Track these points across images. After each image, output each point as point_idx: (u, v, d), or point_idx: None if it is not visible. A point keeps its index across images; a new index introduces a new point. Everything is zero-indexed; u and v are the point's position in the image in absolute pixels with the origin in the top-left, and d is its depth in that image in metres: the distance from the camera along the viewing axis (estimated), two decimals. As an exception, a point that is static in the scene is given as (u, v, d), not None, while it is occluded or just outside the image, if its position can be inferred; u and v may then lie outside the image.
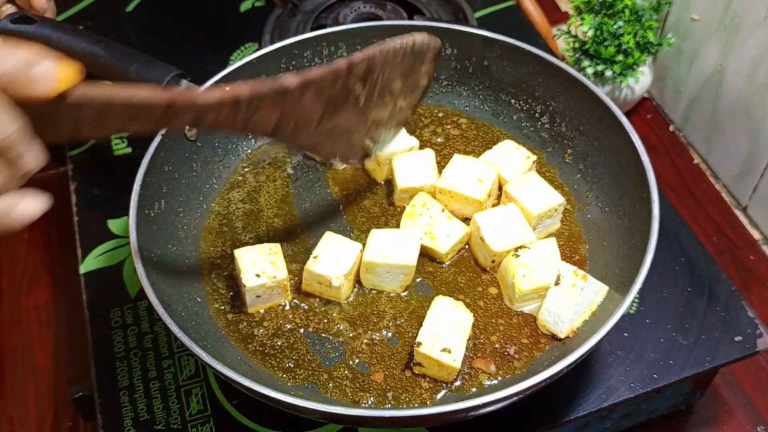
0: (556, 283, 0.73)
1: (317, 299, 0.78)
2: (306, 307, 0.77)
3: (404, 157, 0.84)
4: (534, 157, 0.85)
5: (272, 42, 1.06)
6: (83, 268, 0.88)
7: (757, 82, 1.01)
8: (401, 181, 0.83)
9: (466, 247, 0.81)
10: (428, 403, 0.70)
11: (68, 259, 0.99)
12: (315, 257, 0.75)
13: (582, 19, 1.10)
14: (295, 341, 0.75)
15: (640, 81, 1.12)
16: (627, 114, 1.19)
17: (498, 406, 0.64)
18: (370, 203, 0.86)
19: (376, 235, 0.77)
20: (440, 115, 0.95)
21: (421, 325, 0.71)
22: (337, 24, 1.07)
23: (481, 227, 0.77)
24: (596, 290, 0.73)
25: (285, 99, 0.63)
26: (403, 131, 0.87)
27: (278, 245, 0.78)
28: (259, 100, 0.61)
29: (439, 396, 0.71)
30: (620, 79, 1.09)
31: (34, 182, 0.48)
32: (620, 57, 1.08)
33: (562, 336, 0.73)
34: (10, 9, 0.96)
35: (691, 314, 0.79)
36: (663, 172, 1.14)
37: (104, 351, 0.81)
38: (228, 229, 0.85)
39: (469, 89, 0.95)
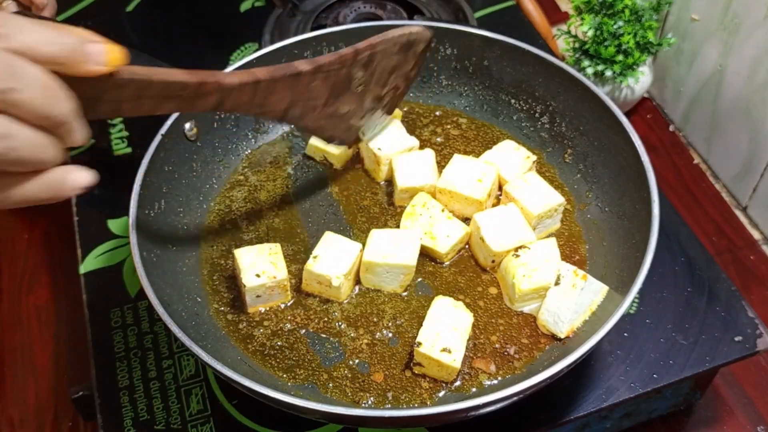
0: (556, 283, 0.73)
1: (317, 299, 0.78)
2: (306, 307, 0.77)
3: (404, 157, 0.84)
4: (534, 157, 0.85)
5: (272, 42, 1.06)
6: (83, 268, 0.88)
7: (757, 82, 1.01)
8: (401, 181, 0.83)
9: (466, 247, 0.81)
10: (428, 403, 0.70)
11: (68, 259, 0.99)
12: (315, 257, 0.75)
13: (582, 19, 1.10)
14: (295, 341, 0.75)
15: (640, 81, 1.12)
16: (627, 114, 1.19)
17: (498, 406, 0.64)
18: (370, 203, 0.86)
19: (375, 235, 0.77)
20: (440, 115, 0.95)
21: (421, 325, 0.71)
22: (337, 24, 1.07)
23: (481, 227, 0.77)
24: (596, 290, 0.73)
25: (297, 82, 0.69)
26: (403, 131, 0.87)
27: (278, 245, 0.78)
28: (275, 82, 0.67)
29: (439, 396, 0.71)
30: (620, 79, 1.09)
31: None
32: (620, 57, 1.08)
33: (562, 336, 0.73)
34: (11, 6, 0.96)
35: (691, 314, 0.80)
36: (663, 172, 1.14)
37: (104, 351, 0.81)
38: (228, 229, 0.85)
39: (469, 89, 0.95)
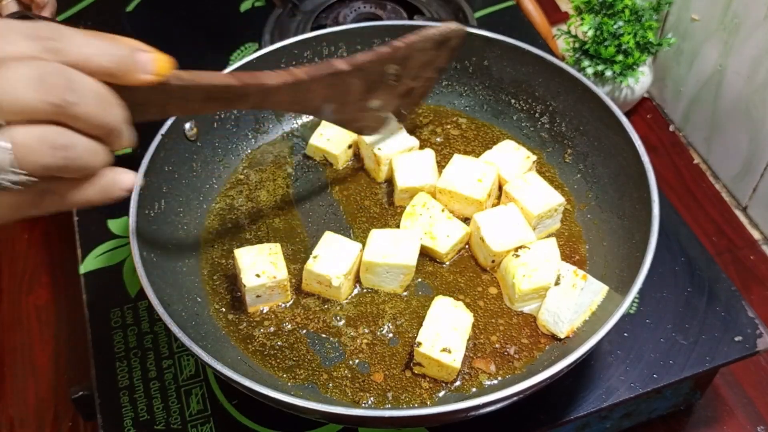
0: (556, 283, 0.73)
1: (317, 299, 0.78)
2: (306, 307, 0.77)
3: (404, 157, 0.84)
4: (534, 157, 0.85)
5: (272, 42, 1.06)
6: (83, 268, 0.88)
7: (757, 82, 1.01)
8: (401, 181, 0.83)
9: (466, 247, 0.81)
10: (428, 403, 0.70)
11: (68, 259, 0.99)
12: (315, 257, 0.75)
13: (582, 19, 1.10)
14: (295, 341, 0.75)
15: (640, 81, 1.12)
16: (627, 114, 1.19)
17: (498, 406, 0.64)
18: (370, 203, 0.86)
19: (375, 235, 0.77)
20: (440, 115, 0.94)
21: (421, 325, 0.71)
22: (337, 24, 1.07)
23: (481, 227, 0.77)
24: (596, 290, 0.73)
25: (335, 81, 0.71)
26: (403, 131, 0.87)
27: (278, 245, 0.78)
28: (314, 81, 0.68)
29: (439, 396, 0.71)
30: (620, 79, 1.09)
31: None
32: (620, 57, 1.08)
33: (562, 336, 0.73)
34: (10, 5, 0.96)
35: (691, 314, 0.80)
36: (663, 172, 1.14)
37: (104, 351, 0.81)
38: (228, 229, 0.85)
39: (469, 89, 0.95)
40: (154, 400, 0.77)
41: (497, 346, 0.74)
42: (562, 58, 1.15)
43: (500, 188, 0.84)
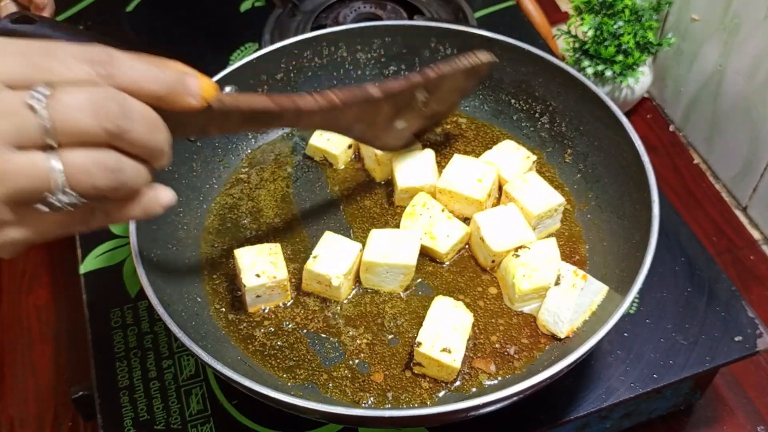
0: (556, 283, 0.73)
1: (317, 299, 0.78)
2: (306, 307, 0.77)
3: (404, 157, 0.84)
4: (534, 157, 0.85)
5: (272, 42, 1.06)
6: (83, 268, 0.88)
7: (757, 82, 1.01)
8: (401, 181, 0.83)
9: (466, 247, 0.81)
10: (428, 403, 0.70)
11: (68, 259, 0.99)
12: (315, 257, 0.75)
13: (582, 19, 1.10)
14: (295, 341, 0.75)
15: (640, 81, 1.12)
16: (627, 114, 1.19)
17: (498, 406, 0.64)
18: (370, 203, 0.86)
19: (375, 235, 0.77)
20: (440, 115, 0.94)
21: (421, 325, 0.71)
22: (337, 24, 1.07)
23: (481, 227, 0.77)
24: (596, 290, 0.73)
25: (367, 106, 0.74)
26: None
27: (278, 245, 0.78)
28: (348, 106, 0.71)
29: (439, 396, 0.71)
30: (620, 79, 1.09)
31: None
32: (620, 57, 1.08)
33: (562, 336, 0.73)
34: (9, 5, 0.96)
35: (691, 314, 0.80)
36: (663, 172, 1.14)
37: (104, 351, 0.81)
38: (228, 229, 0.85)
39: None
40: (154, 400, 0.77)
41: (497, 346, 0.74)
42: (562, 58, 1.15)
43: (500, 188, 0.84)
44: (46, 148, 0.43)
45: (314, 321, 0.76)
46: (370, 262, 0.76)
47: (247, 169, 0.90)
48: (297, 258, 0.81)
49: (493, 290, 0.78)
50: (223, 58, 1.11)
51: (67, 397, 0.93)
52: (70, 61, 0.44)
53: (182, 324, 0.66)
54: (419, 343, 0.70)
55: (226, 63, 1.08)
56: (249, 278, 0.74)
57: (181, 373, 0.79)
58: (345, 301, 0.78)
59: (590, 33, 1.09)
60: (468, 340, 0.72)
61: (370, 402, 0.71)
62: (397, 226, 0.82)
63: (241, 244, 0.82)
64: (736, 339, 0.78)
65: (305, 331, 0.76)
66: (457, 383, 0.71)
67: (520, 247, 0.76)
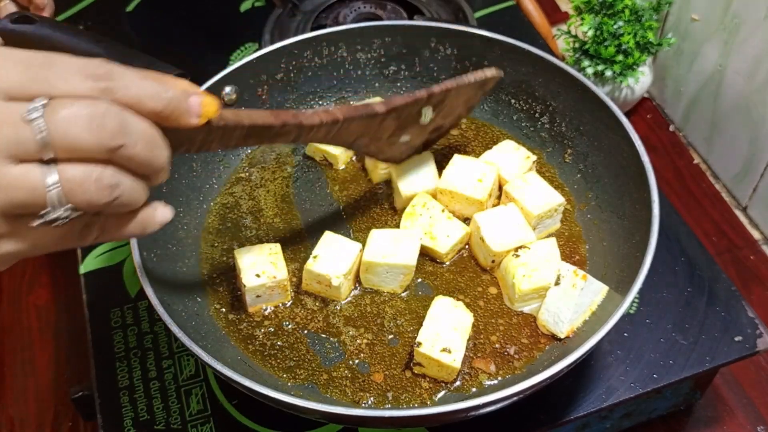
0: (556, 283, 0.73)
1: (317, 299, 0.78)
2: (306, 307, 0.77)
3: (404, 162, 0.84)
4: (534, 157, 0.85)
5: (272, 42, 1.06)
6: (83, 268, 0.88)
7: (757, 82, 1.01)
8: (404, 189, 0.82)
9: (466, 247, 0.81)
10: (428, 403, 0.70)
11: (68, 259, 0.99)
12: (315, 257, 0.75)
13: (582, 19, 1.10)
14: (295, 341, 0.75)
15: (640, 81, 1.12)
16: (627, 114, 1.19)
17: (498, 406, 0.64)
18: (370, 203, 0.86)
19: (375, 235, 0.77)
20: (440, 115, 0.94)
21: (421, 325, 0.71)
22: (337, 24, 1.07)
23: (481, 227, 0.77)
24: (596, 290, 0.73)
25: (371, 121, 0.73)
26: None
27: (278, 245, 0.78)
28: (351, 121, 0.71)
29: (439, 396, 0.71)
30: (620, 79, 1.09)
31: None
32: (620, 57, 1.08)
33: (562, 336, 0.73)
34: (9, 5, 0.96)
35: (691, 314, 0.80)
36: (663, 172, 1.14)
37: (104, 351, 0.81)
38: (228, 229, 0.85)
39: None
40: (154, 400, 0.77)
41: (497, 346, 0.74)
42: (562, 58, 1.15)
43: (500, 188, 0.84)
44: (44, 161, 0.42)
45: (314, 321, 0.76)
46: (369, 262, 0.76)
47: (247, 169, 0.90)
48: (297, 258, 0.81)
49: (493, 290, 0.78)
50: (223, 58, 1.11)
51: (67, 397, 0.93)
52: (71, 75, 0.43)
53: (182, 324, 0.66)
54: (419, 343, 0.70)
55: (226, 63, 1.08)
56: (249, 278, 0.74)
57: (181, 373, 0.79)
58: (345, 301, 0.78)
59: (590, 33, 1.09)
60: (468, 340, 0.72)
61: (370, 402, 0.71)
62: (397, 226, 0.82)
63: (241, 244, 0.82)
64: (736, 339, 0.78)
65: (305, 331, 0.76)
66: (457, 383, 0.71)
67: (520, 247, 0.76)
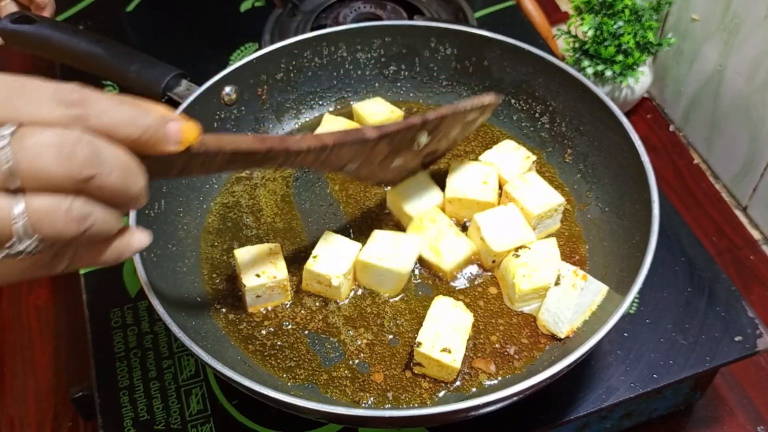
0: (556, 283, 0.73)
1: (317, 299, 0.78)
2: (306, 307, 0.77)
3: (401, 187, 0.82)
4: (534, 157, 0.85)
5: (272, 42, 1.06)
6: (83, 268, 0.88)
7: (757, 82, 1.01)
8: (413, 210, 0.80)
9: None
10: (428, 403, 0.70)
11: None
12: (315, 257, 0.75)
13: (582, 19, 1.10)
14: (295, 341, 0.75)
15: (640, 81, 1.12)
16: (627, 114, 1.19)
17: (498, 406, 0.64)
18: (370, 203, 0.86)
19: (377, 235, 0.77)
20: (440, 115, 0.94)
21: (421, 325, 0.71)
22: (337, 24, 1.07)
23: (481, 227, 0.77)
24: (596, 290, 0.73)
25: (362, 146, 0.71)
26: None
27: (278, 245, 0.78)
28: (341, 146, 0.69)
29: (439, 396, 0.71)
30: (620, 79, 1.09)
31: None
32: (620, 57, 1.08)
33: (562, 336, 0.73)
34: (9, 5, 0.96)
35: (691, 314, 0.79)
36: (663, 172, 1.14)
37: (104, 351, 0.81)
38: (228, 229, 0.85)
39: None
40: (154, 400, 0.77)
41: (497, 346, 0.74)
42: (562, 58, 1.15)
43: (500, 188, 0.84)
44: (10, 191, 0.40)
45: (314, 321, 0.76)
46: (363, 262, 0.75)
47: (247, 169, 0.90)
48: (297, 258, 0.81)
49: (493, 290, 0.78)
50: (223, 58, 1.11)
51: (67, 397, 0.93)
52: (43, 101, 0.41)
53: (182, 324, 0.66)
54: (419, 343, 0.70)
55: (226, 63, 1.08)
56: (249, 278, 0.74)
57: (181, 373, 0.79)
58: (345, 301, 0.78)
59: (590, 33, 1.09)
60: (468, 340, 0.72)
61: (370, 402, 0.71)
62: (397, 226, 0.82)
63: (241, 244, 0.82)
64: (736, 339, 0.78)
65: (305, 331, 0.76)
66: (457, 383, 0.71)
67: (520, 247, 0.76)
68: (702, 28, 1.09)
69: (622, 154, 0.79)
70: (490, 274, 0.79)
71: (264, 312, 0.77)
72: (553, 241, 0.77)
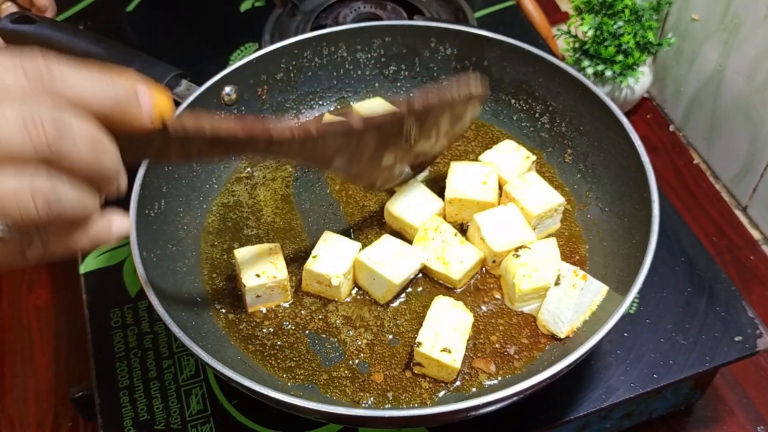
0: (556, 283, 0.73)
1: (317, 299, 0.78)
2: (306, 307, 0.77)
3: (398, 198, 0.82)
4: (534, 157, 0.85)
5: (272, 42, 1.06)
6: (83, 268, 0.88)
7: (757, 82, 1.01)
8: (415, 220, 0.79)
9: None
10: (428, 403, 0.70)
11: (68, 259, 0.99)
12: (314, 257, 0.75)
13: (582, 19, 1.10)
14: (295, 341, 0.75)
15: (640, 81, 1.12)
16: (627, 114, 1.19)
17: (498, 406, 0.64)
18: (371, 203, 0.86)
19: (385, 240, 0.76)
20: (440, 115, 0.94)
21: (421, 325, 0.71)
22: (337, 24, 1.07)
23: (481, 227, 0.77)
24: (596, 290, 0.73)
25: (348, 137, 0.69)
26: None
27: (278, 245, 0.78)
28: (326, 137, 0.67)
29: (439, 396, 0.71)
30: (620, 79, 1.09)
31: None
32: (620, 57, 1.08)
33: (562, 336, 0.73)
34: (10, 8, 0.96)
35: (691, 314, 0.79)
36: (663, 172, 1.14)
37: (104, 351, 0.81)
38: (228, 229, 0.85)
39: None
40: (154, 400, 0.77)
41: (497, 346, 0.74)
42: (562, 58, 1.15)
43: (500, 188, 0.84)
44: None
45: (314, 321, 0.76)
46: (359, 261, 0.75)
47: (247, 169, 0.90)
48: (297, 258, 0.81)
49: (493, 290, 0.78)
50: (223, 58, 1.11)
51: (67, 397, 0.93)
52: (4, 73, 0.39)
53: (182, 324, 0.66)
54: (419, 343, 0.70)
55: (226, 63, 1.08)
56: (249, 278, 0.74)
57: (181, 373, 0.79)
58: (345, 301, 0.78)
59: (590, 33, 1.09)
60: (468, 340, 0.72)
61: (370, 402, 0.71)
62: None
63: (241, 244, 0.82)
64: (736, 339, 0.78)
65: (305, 331, 0.76)
66: (457, 383, 0.71)
67: (521, 247, 0.76)
68: (702, 28, 1.09)
69: (622, 154, 0.79)
70: (490, 274, 0.79)
71: (264, 312, 0.77)
72: (553, 241, 0.77)
